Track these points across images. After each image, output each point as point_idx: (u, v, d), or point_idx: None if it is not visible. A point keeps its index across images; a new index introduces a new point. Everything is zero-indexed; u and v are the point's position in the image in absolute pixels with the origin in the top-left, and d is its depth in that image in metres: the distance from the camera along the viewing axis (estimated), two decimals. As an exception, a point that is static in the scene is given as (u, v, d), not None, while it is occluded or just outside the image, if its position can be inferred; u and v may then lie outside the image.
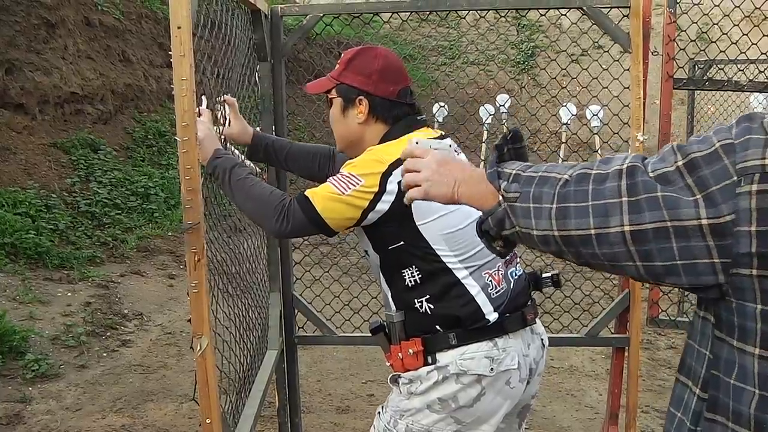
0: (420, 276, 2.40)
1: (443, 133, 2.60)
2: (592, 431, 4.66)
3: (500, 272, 2.44)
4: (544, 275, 2.67)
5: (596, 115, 4.25)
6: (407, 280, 2.42)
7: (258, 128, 3.25)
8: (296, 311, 3.78)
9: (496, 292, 2.41)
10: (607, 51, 4.30)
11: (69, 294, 6.59)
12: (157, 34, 11.67)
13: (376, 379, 5.47)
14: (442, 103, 12.00)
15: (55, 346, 5.63)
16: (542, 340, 2.55)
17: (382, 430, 2.50)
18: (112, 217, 8.53)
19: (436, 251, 2.37)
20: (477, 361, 2.35)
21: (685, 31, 3.93)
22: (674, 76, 3.71)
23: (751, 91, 3.71)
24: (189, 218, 2.24)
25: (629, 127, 3.52)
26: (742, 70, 4.36)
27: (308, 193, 2.37)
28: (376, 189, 2.33)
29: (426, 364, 2.41)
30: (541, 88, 13.91)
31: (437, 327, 2.40)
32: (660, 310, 3.84)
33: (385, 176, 2.33)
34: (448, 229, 2.37)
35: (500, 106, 12.20)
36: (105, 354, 5.71)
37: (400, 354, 2.46)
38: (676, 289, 1.60)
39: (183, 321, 6.32)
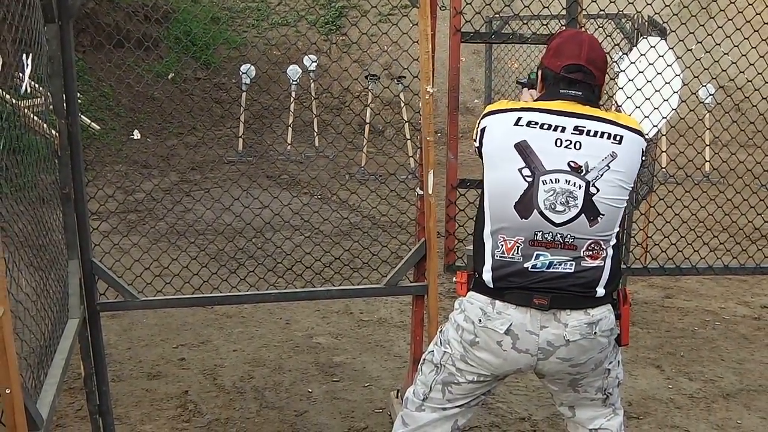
0: (475, 216, 2.88)
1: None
2: (401, 379, 4.83)
3: (519, 245, 2.70)
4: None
5: (398, 80, 4.39)
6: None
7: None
8: (97, 278, 3.71)
9: (501, 255, 2.72)
10: (406, 16, 4.41)
11: None
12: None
13: (187, 343, 5.45)
14: (248, 65, 11.89)
15: None
16: (566, 333, 2.71)
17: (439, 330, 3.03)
18: None
19: (484, 198, 2.79)
20: (474, 308, 2.78)
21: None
22: (464, 30, 3.85)
23: (534, 43, 3.95)
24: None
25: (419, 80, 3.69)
26: (526, 23, 4.64)
27: None
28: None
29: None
30: (346, 50, 14.04)
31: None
32: (456, 258, 4.02)
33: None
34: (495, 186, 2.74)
35: (307, 67, 12.24)
36: None
37: (454, 279, 3.11)
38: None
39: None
